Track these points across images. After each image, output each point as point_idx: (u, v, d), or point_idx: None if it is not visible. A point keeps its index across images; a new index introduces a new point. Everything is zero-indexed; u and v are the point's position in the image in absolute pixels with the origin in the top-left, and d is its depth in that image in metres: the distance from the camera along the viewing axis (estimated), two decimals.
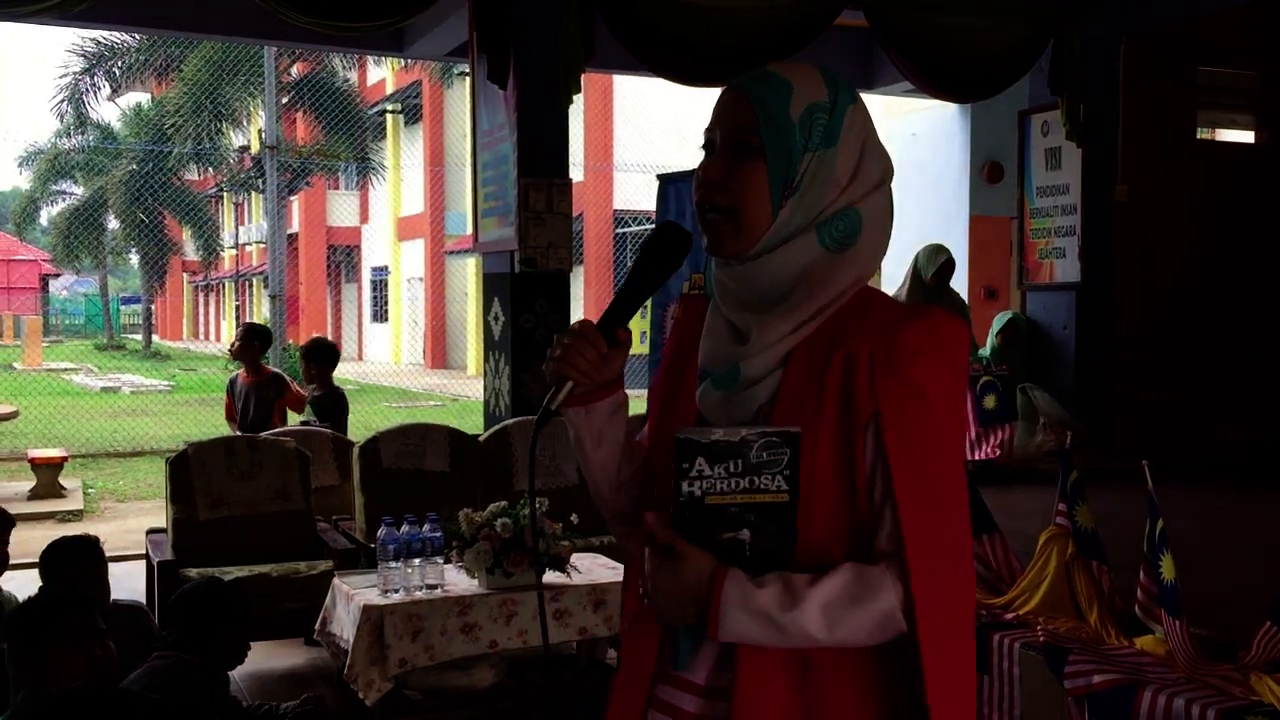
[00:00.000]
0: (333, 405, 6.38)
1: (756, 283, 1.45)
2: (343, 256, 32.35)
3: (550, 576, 4.14)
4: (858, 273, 1.46)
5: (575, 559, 4.22)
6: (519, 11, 5.63)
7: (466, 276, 24.47)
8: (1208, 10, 6.45)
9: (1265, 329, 7.62)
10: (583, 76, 5.69)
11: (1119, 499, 4.13)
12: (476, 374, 22.31)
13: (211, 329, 43.40)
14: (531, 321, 5.71)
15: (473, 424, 6.88)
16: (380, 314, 30.68)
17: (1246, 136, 7.83)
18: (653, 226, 2.74)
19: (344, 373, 22.61)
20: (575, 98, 5.71)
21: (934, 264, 6.58)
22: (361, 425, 9.86)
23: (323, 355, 6.55)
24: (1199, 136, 7.52)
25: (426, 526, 4.14)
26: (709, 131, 1.48)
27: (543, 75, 5.60)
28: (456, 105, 24.65)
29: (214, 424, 12.03)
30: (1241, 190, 7.45)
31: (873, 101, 9.06)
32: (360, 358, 29.73)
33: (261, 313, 31.65)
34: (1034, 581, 3.96)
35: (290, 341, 20.68)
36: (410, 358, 28.29)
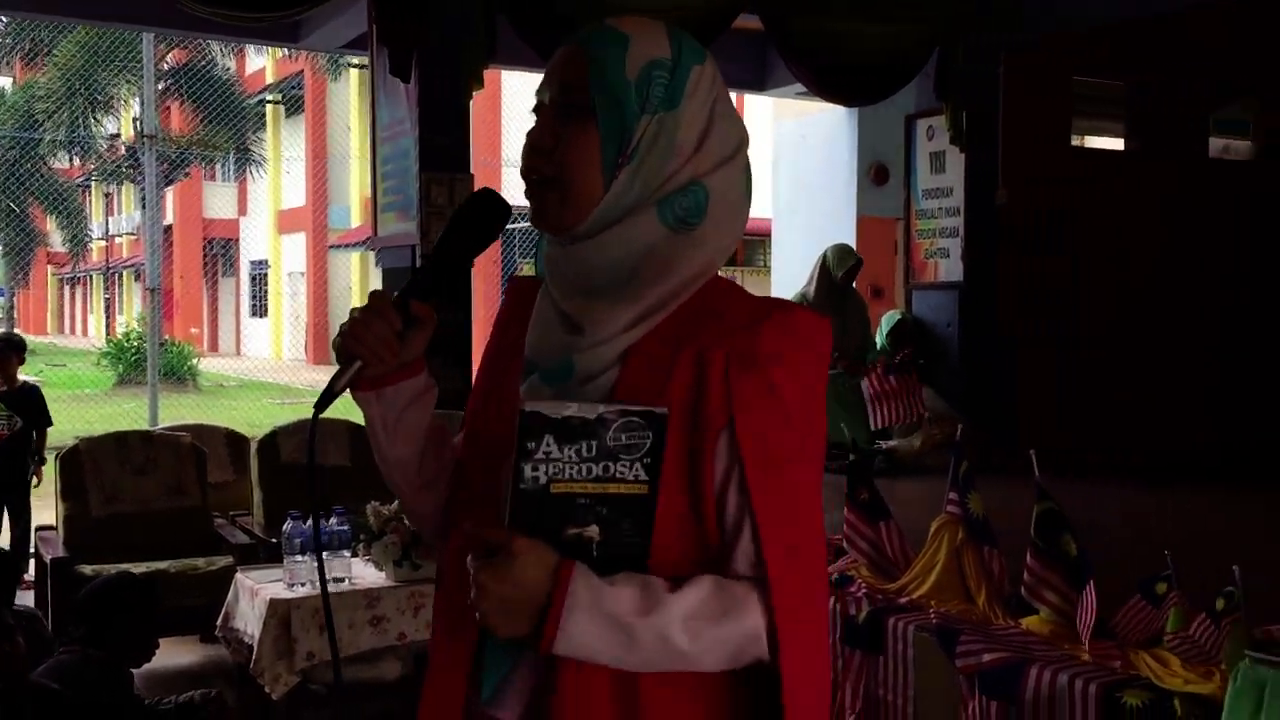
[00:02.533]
0: (26, 400, 6.25)
1: (591, 264, 1.28)
2: (220, 249, 31.57)
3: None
4: (705, 257, 1.29)
5: None
6: (422, 6, 5.63)
7: (350, 271, 24.14)
8: (1082, 24, 6.75)
9: (1156, 324, 8.02)
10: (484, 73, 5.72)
11: (1004, 490, 4.33)
12: None
13: (79, 323, 41.94)
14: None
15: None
16: (260, 308, 30.04)
17: (1117, 144, 8.22)
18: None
19: (222, 368, 22.11)
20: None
21: (845, 264, 6.82)
22: (244, 422, 9.69)
23: (16, 348, 6.43)
24: (1073, 143, 7.87)
25: (333, 520, 4.15)
26: (540, 91, 1.31)
27: (446, 70, 5.61)
28: (340, 97, 24.28)
29: (86, 421, 11.69)
30: (1113, 195, 7.83)
31: (764, 103, 9.27)
32: (239, 353, 29.08)
33: (133, 306, 30.72)
34: (926, 567, 4.13)
35: (167, 337, 20.14)
36: (292, 353, 27.77)
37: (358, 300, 23.59)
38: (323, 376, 20.79)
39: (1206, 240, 8.13)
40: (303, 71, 25.31)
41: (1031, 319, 7.45)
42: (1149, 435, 7.71)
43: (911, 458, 6.63)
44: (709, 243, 1.29)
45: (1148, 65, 7.94)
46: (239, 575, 4.27)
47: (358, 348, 1.30)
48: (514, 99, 20.28)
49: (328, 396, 1.33)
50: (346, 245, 24.06)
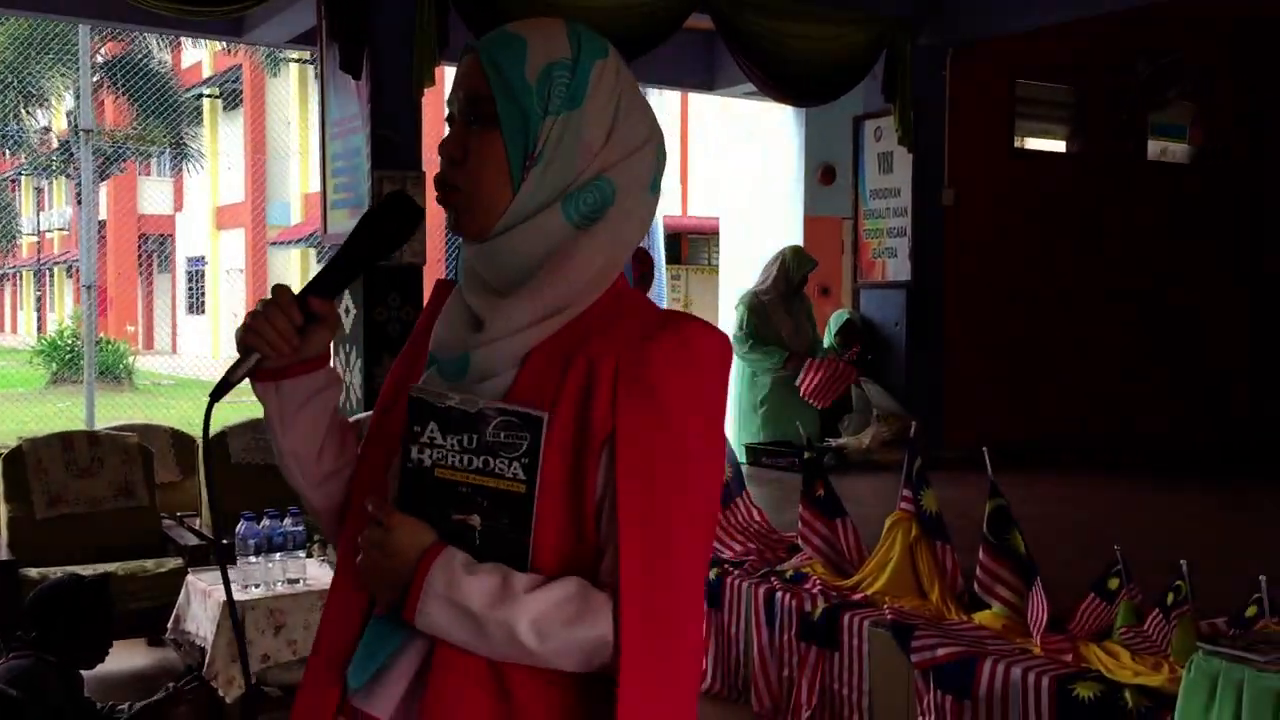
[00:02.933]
0: None
1: (498, 262, 1.29)
2: (155, 246, 31.04)
3: None
4: (609, 253, 1.28)
5: None
6: (373, 1, 5.59)
7: (291, 268, 23.87)
8: (1027, 26, 6.86)
9: (1093, 325, 8.18)
10: (436, 70, 5.69)
11: (949, 486, 4.40)
12: None
13: (8, 320, 41.03)
14: (385, 315, 5.68)
15: None
16: (197, 306, 29.58)
17: (1059, 146, 8.36)
18: None
19: (158, 366, 21.70)
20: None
21: (805, 267, 6.90)
22: (183, 420, 9.54)
23: None
24: (1016, 145, 8.00)
25: (288, 521, 4.11)
26: (449, 103, 1.32)
27: (398, 66, 5.57)
28: (280, 92, 23.98)
29: (20, 421, 11.45)
30: (1056, 197, 7.98)
31: (712, 103, 9.29)
32: (174, 351, 28.61)
33: (65, 303, 30.12)
34: (880, 563, 4.18)
35: (102, 334, 19.77)
36: (230, 351, 27.28)
37: None
38: None
39: (1145, 240, 8.31)
40: (241, 65, 24.97)
41: (978, 317, 7.57)
42: (1095, 428, 7.88)
43: (860, 455, 6.70)
44: (612, 236, 1.28)
45: (1089, 68, 8.09)
46: (190, 577, 4.22)
47: (256, 340, 1.31)
48: None
49: (223, 387, 1.33)
50: (287, 242, 23.79)
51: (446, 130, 1.32)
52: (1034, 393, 7.73)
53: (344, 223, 5.90)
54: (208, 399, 1.34)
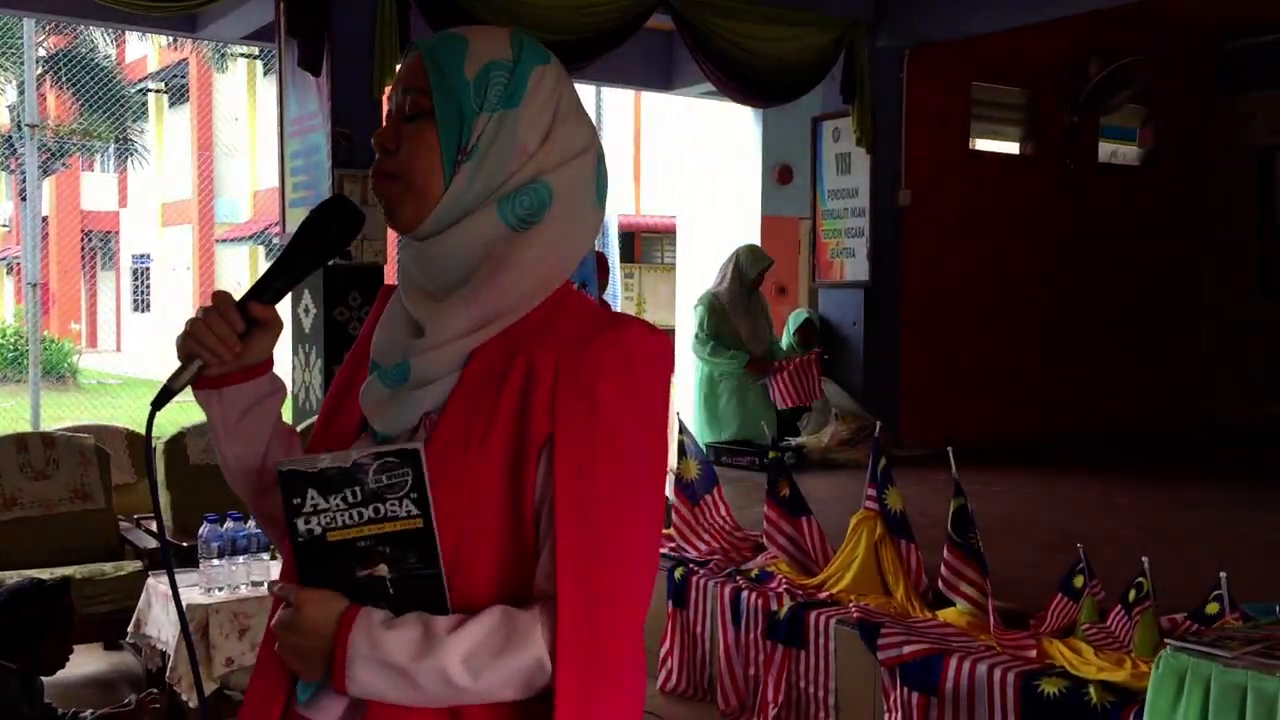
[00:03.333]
0: None
1: (434, 263, 1.28)
2: (99, 243, 30.54)
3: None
4: (549, 258, 1.28)
5: None
6: None
7: (240, 266, 23.58)
8: (982, 29, 6.94)
9: (1049, 324, 8.29)
10: (398, 67, 5.65)
11: (906, 484, 4.43)
12: None
13: None
14: (345, 314, 5.63)
15: None
16: (142, 303, 29.14)
17: (1013, 148, 8.47)
18: None
19: (102, 365, 21.32)
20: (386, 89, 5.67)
21: (759, 266, 6.92)
22: (135, 421, 9.41)
23: None
24: (973, 147, 8.09)
25: (251, 523, 4.06)
26: (391, 97, 1.33)
27: (358, 64, 5.53)
28: (228, 88, 23.69)
29: None
30: (1011, 197, 8.08)
31: (670, 102, 9.31)
32: (119, 349, 28.18)
33: (3, 301, 29.54)
34: (846, 561, 4.22)
35: (46, 333, 19.42)
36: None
37: None
38: None
39: (1097, 240, 8.44)
40: (187, 60, 24.62)
41: (935, 317, 7.65)
42: (1050, 426, 7.99)
43: (819, 454, 6.75)
44: (551, 242, 1.28)
45: (1043, 71, 8.21)
46: (151, 581, 4.16)
47: (196, 347, 1.30)
48: None
49: (165, 395, 1.31)
50: (235, 239, 23.51)
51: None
52: (990, 392, 7.83)
53: None
54: (149, 407, 1.31)
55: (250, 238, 21.79)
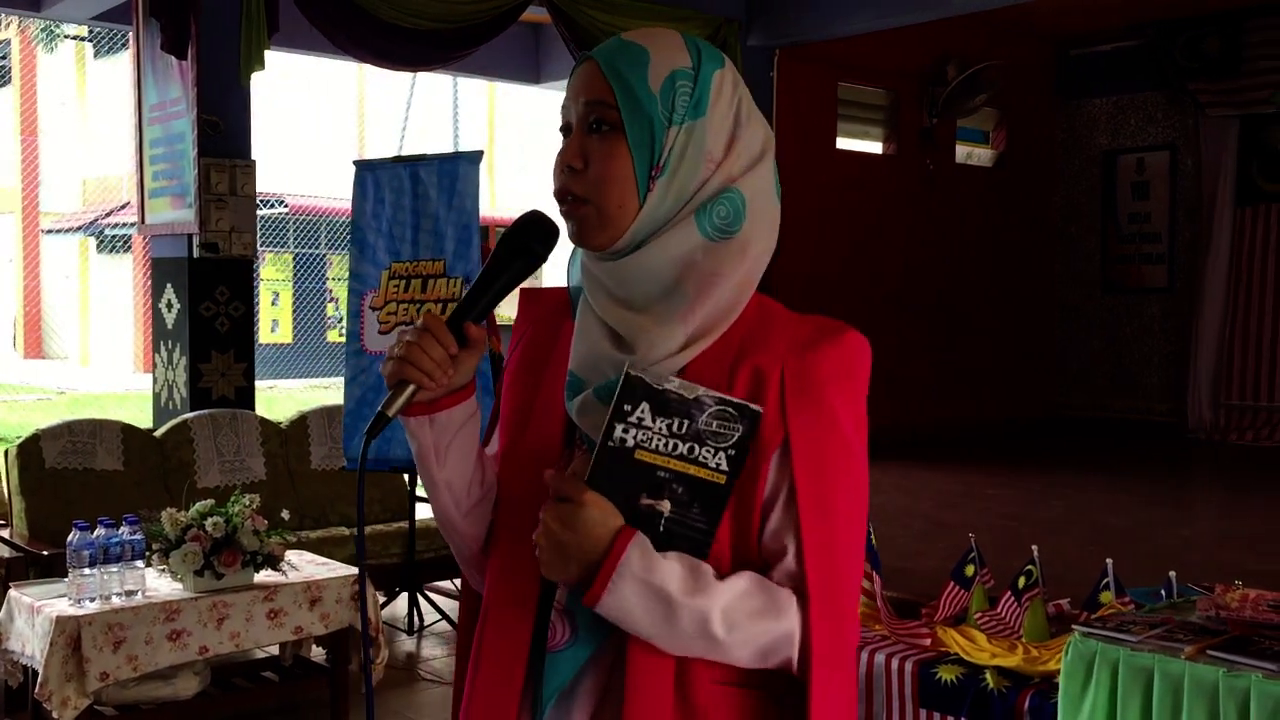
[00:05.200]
0: None
1: (632, 278, 1.27)
2: None
3: (263, 575, 4.01)
4: (748, 266, 1.28)
5: (289, 556, 4.09)
6: None
7: (70, 257, 22.44)
8: (850, 31, 7.08)
9: (916, 318, 8.50)
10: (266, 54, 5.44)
11: None
12: (83, 364, 20.52)
13: None
14: (212, 310, 5.40)
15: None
16: None
17: (876, 147, 8.68)
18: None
19: None
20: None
21: None
22: None
23: None
24: (839, 145, 8.25)
25: (125, 529, 3.85)
26: (564, 110, 1.30)
27: (227, 49, 5.30)
28: (56, 70, 22.52)
29: None
30: (876, 196, 8.28)
31: (542, 95, 9.23)
32: None
33: None
34: None
35: None
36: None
37: (78, 289, 21.97)
38: (38, 372, 19.29)
39: (956, 239, 8.72)
40: (9, 41, 23.31)
41: (798, 310, 7.77)
42: (921, 418, 8.21)
43: None
44: (749, 249, 1.28)
45: (905, 73, 8.43)
46: (13, 592, 3.90)
47: (413, 372, 1.26)
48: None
49: (379, 422, 1.26)
50: (64, 230, 22.36)
51: (562, 140, 1.30)
52: (883, 386, 8.01)
53: (165, 213, 5.58)
54: (364, 436, 1.28)
55: (80, 229, 20.75)
